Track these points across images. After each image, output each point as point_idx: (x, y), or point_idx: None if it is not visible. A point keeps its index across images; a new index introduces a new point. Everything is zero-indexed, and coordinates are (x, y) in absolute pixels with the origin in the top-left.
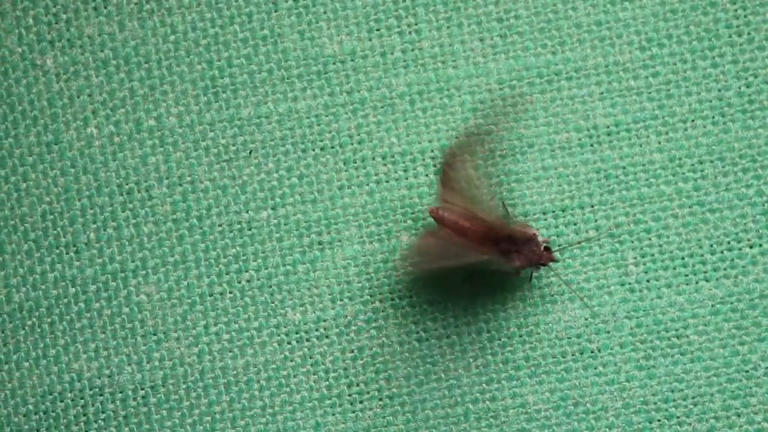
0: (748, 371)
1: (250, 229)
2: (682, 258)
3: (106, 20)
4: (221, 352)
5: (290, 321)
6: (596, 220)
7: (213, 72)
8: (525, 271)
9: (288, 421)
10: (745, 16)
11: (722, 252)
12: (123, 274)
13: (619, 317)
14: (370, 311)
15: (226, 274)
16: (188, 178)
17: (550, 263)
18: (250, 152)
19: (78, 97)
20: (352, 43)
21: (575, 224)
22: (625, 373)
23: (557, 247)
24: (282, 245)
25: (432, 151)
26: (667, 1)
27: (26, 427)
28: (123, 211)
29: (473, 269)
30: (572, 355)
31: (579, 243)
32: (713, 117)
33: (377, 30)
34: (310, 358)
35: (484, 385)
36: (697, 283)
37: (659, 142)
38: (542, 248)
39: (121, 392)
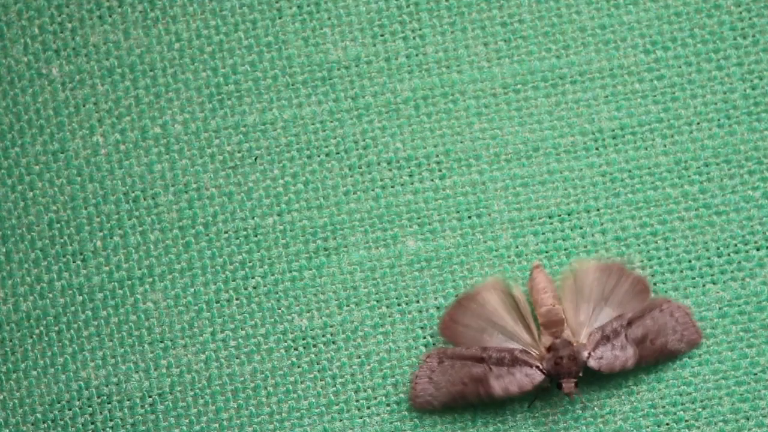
0: (756, 374)
1: (256, 236)
2: (689, 261)
3: (111, 29)
4: (228, 359)
5: (297, 327)
6: (602, 224)
7: (218, 79)
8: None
9: (296, 427)
10: (750, 18)
11: (729, 255)
12: (130, 282)
13: None
14: (376, 317)
15: (233, 281)
16: (194, 186)
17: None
18: (255, 159)
19: (84, 106)
20: (356, 48)
21: (581, 228)
22: (633, 377)
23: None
24: (288, 251)
25: (437, 155)
26: (671, 3)
27: None
28: (129, 219)
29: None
30: None
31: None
32: (719, 119)
33: (381, 35)
34: (318, 364)
35: None
36: (704, 286)
37: (665, 145)
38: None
39: (128, 400)
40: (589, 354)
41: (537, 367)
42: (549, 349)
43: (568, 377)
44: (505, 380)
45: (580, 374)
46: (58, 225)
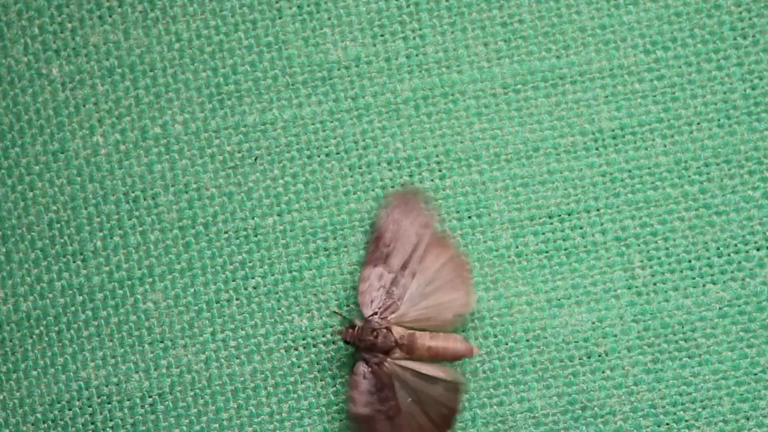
0: (756, 374)
1: (256, 236)
2: (689, 261)
3: (111, 29)
4: (228, 359)
5: (297, 327)
6: (602, 224)
7: (218, 79)
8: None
9: (296, 427)
10: (750, 19)
11: (729, 255)
12: (130, 282)
13: (627, 321)
14: None
15: (233, 281)
16: (194, 186)
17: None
18: (255, 159)
19: (84, 106)
20: (356, 48)
21: (581, 228)
22: (633, 377)
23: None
24: (288, 251)
25: (437, 156)
26: (671, 4)
27: None
28: (129, 219)
29: None
30: (580, 359)
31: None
32: (719, 119)
33: (381, 35)
34: (318, 364)
35: (491, 389)
36: (704, 286)
37: (665, 145)
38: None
39: (128, 400)
40: (370, 365)
41: (376, 313)
42: (399, 324)
43: (355, 334)
44: (372, 270)
45: (352, 345)
46: (58, 225)
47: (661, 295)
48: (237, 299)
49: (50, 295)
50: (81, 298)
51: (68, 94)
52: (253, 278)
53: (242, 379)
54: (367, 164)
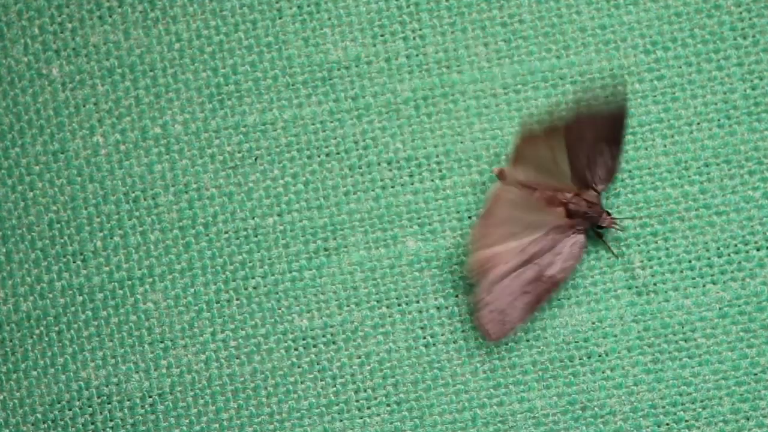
0: (756, 374)
1: (256, 236)
2: (689, 261)
3: (111, 29)
4: (228, 359)
5: (297, 327)
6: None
7: (218, 79)
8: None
9: (296, 427)
10: (750, 19)
11: (729, 255)
12: (130, 282)
13: (627, 321)
14: (377, 317)
15: (233, 281)
16: (194, 186)
17: (612, 226)
18: (255, 159)
19: (84, 106)
20: (356, 48)
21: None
22: (633, 377)
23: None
24: (288, 252)
25: (437, 156)
26: (671, 4)
27: None
28: (129, 219)
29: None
30: (580, 359)
31: (632, 218)
32: (719, 120)
33: (381, 36)
34: (318, 364)
35: (491, 389)
36: (704, 286)
37: (665, 145)
38: (604, 212)
39: (128, 400)
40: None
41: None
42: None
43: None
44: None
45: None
46: (59, 225)
47: (661, 295)
48: (237, 299)
49: (50, 295)
50: (81, 298)
51: (68, 94)
52: (253, 278)
53: (242, 379)
54: (367, 164)
